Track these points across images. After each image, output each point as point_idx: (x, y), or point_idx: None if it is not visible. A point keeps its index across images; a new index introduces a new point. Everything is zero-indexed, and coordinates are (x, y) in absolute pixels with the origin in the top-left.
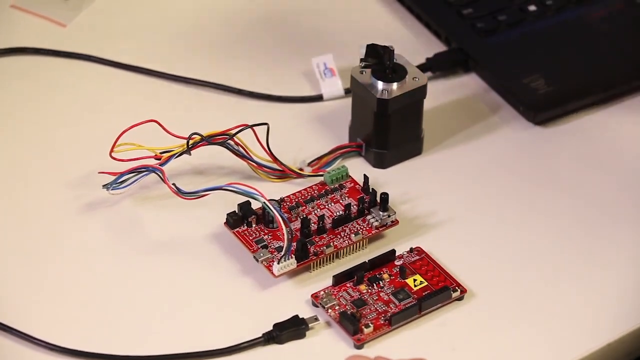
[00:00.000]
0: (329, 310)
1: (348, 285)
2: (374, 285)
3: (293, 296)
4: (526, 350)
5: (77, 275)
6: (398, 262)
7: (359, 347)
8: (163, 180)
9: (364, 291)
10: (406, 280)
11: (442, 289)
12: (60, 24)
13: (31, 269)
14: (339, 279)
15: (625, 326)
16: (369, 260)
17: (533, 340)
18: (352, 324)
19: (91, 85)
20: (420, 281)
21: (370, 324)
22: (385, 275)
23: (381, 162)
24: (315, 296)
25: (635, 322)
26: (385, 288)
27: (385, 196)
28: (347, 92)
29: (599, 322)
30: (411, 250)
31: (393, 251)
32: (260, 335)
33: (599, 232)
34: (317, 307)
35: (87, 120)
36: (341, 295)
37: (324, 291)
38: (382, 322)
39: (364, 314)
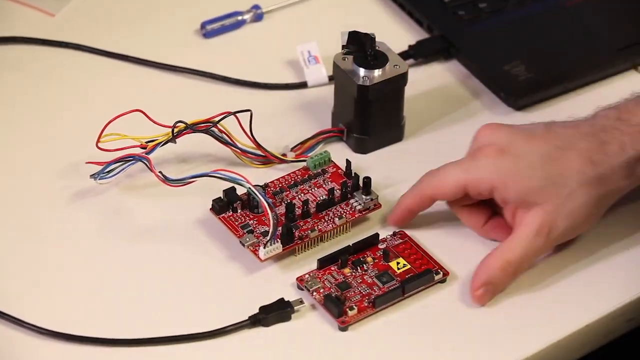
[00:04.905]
0: (314, 293)
1: (333, 268)
2: (358, 268)
3: (279, 280)
4: (507, 331)
5: (66, 262)
6: (382, 246)
7: (343, 329)
8: (150, 169)
9: (348, 274)
10: (389, 264)
11: (424, 272)
12: (48, 14)
13: (20, 256)
14: (324, 263)
15: (604, 308)
16: (353, 244)
17: (514, 322)
18: (336, 306)
19: (81, 74)
20: (404, 264)
21: (354, 307)
22: (369, 259)
23: (362, 148)
24: (300, 279)
25: (614, 303)
26: (369, 271)
27: (367, 180)
28: (331, 79)
29: (578, 304)
30: (394, 233)
31: (377, 235)
32: (246, 318)
33: None
34: (302, 290)
35: (75, 109)
36: (326, 279)
37: (309, 274)
38: (366, 305)
39: (348, 297)
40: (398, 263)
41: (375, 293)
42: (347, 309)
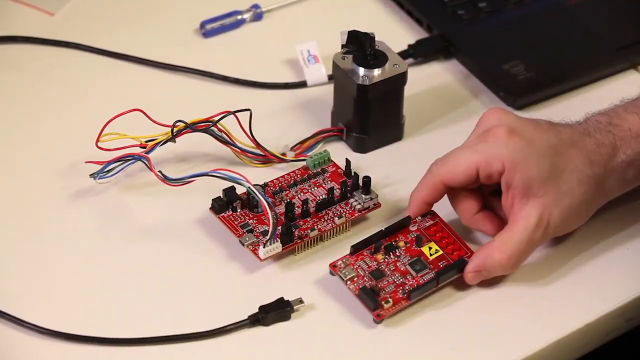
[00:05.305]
0: (348, 282)
1: (365, 253)
2: (391, 254)
3: (278, 279)
4: (507, 331)
5: (66, 262)
6: (413, 228)
7: (378, 322)
8: (149, 168)
9: (381, 260)
10: (422, 249)
11: (458, 262)
12: (48, 13)
13: (20, 256)
14: (357, 248)
15: (603, 307)
16: (385, 228)
17: (514, 321)
18: (372, 300)
19: (80, 73)
20: (436, 249)
21: (389, 299)
22: (401, 243)
23: (361, 147)
24: (333, 265)
25: (613, 303)
26: (402, 257)
27: (367, 179)
28: (331, 78)
29: (578, 303)
30: (425, 215)
31: (408, 217)
32: (246, 317)
33: None
34: (334, 275)
35: (75, 108)
36: (359, 265)
37: (342, 260)
38: (400, 296)
39: (381, 287)
40: (430, 248)
41: (409, 282)
42: (383, 302)
